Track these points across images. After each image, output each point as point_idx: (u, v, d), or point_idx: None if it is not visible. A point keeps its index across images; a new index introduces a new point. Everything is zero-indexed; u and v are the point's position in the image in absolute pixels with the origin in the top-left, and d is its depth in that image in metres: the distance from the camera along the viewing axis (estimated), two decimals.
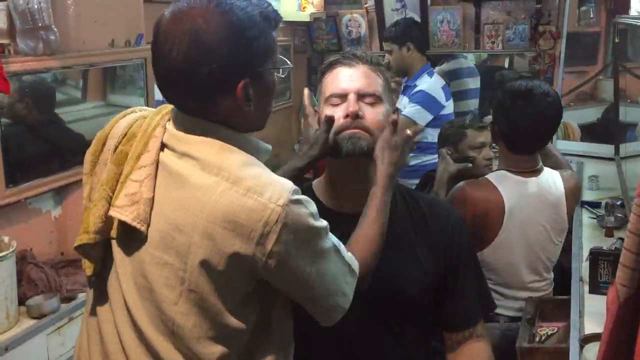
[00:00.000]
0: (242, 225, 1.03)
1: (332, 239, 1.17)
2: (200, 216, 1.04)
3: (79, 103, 2.48)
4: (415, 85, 3.34)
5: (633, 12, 3.36)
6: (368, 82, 1.41)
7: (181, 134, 1.12)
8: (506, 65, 5.11)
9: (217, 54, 1.06)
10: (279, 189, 1.06)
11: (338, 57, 1.47)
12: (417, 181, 2.88)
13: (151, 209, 1.09)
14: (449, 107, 3.33)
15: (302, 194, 1.52)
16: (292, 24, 3.99)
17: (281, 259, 1.07)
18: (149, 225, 1.09)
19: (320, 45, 4.24)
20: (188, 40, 1.05)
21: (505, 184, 2.08)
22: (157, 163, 1.11)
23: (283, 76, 1.22)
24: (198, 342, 1.10)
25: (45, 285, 1.95)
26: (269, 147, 1.20)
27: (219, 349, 1.11)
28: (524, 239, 2.10)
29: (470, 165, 2.44)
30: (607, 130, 3.75)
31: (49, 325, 1.87)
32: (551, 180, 2.15)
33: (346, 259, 1.20)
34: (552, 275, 2.24)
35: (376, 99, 1.42)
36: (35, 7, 1.97)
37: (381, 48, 4.10)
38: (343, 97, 1.41)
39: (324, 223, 1.14)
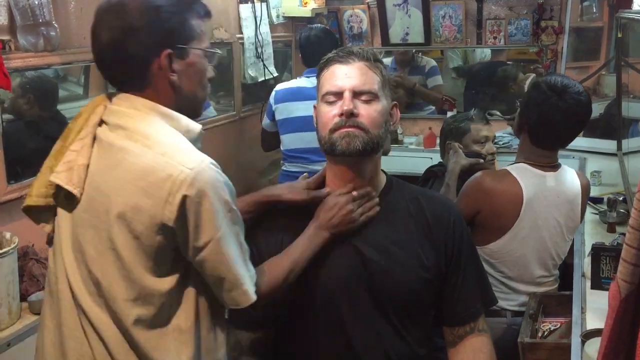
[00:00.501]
0: (153, 184, 1.14)
1: (242, 239, 1.26)
2: (119, 176, 1.16)
3: (80, 99, 2.48)
4: None
5: (636, 6, 3.34)
6: (364, 80, 1.40)
7: (117, 108, 1.24)
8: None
9: (139, 26, 1.20)
10: (193, 157, 1.17)
11: (334, 53, 1.46)
12: None
13: (85, 176, 1.21)
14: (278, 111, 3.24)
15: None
16: (293, 19, 3.99)
17: (186, 219, 1.16)
18: (82, 190, 1.21)
19: None
20: (114, 19, 1.21)
21: (525, 176, 2.09)
22: (93, 135, 1.24)
23: (212, 64, 1.33)
24: (118, 302, 1.19)
25: None
26: (199, 126, 1.28)
27: (136, 310, 1.18)
28: (537, 232, 2.10)
29: (482, 160, 2.44)
30: (609, 125, 3.73)
31: None
32: (569, 176, 2.15)
33: (249, 266, 1.26)
34: (557, 272, 2.24)
35: (372, 96, 1.41)
36: (36, 3, 1.96)
37: (383, 44, 4.10)
38: (338, 94, 1.40)
39: (236, 207, 1.22)
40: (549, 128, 2.06)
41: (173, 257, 1.20)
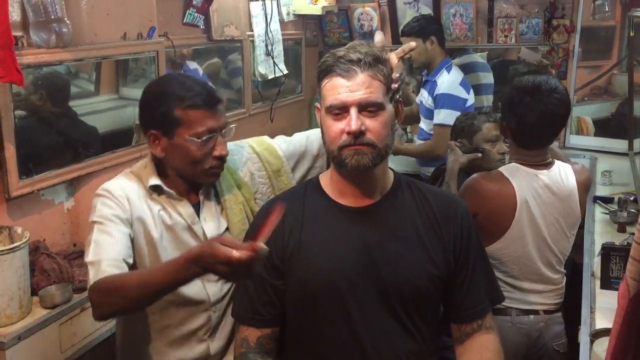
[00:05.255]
0: None
1: (98, 234, 1.50)
2: None
3: (91, 96, 2.49)
4: (434, 82, 3.34)
5: None
6: (368, 92, 1.37)
7: None
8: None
9: (140, 106, 1.61)
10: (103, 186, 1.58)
11: (335, 62, 1.40)
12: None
13: None
14: (471, 98, 3.36)
15: (310, 185, 1.55)
16: (303, 17, 3.99)
17: None
18: None
19: (332, 38, 4.23)
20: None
21: (517, 176, 2.07)
22: None
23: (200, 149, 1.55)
24: None
25: (58, 276, 1.97)
26: (154, 183, 1.60)
27: None
28: (536, 231, 2.09)
29: (479, 155, 2.43)
30: (621, 125, 3.71)
31: (61, 315, 1.89)
32: (563, 173, 2.13)
33: (89, 254, 1.48)
34: (563, 270, 2.23)
35: (377, 107, 1.38)
36: None
37: (393, 42, 4.09)
38: (343, 109, 1.38)
39: (97, 214, 1.53)
40: (529, 130, 2.04)
41: None
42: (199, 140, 1.54)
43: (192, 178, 1.62)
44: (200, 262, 1.24)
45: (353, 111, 1.36)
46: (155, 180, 1.60)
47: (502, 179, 2.08)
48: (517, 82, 2.09)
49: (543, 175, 2.09)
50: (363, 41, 1.49)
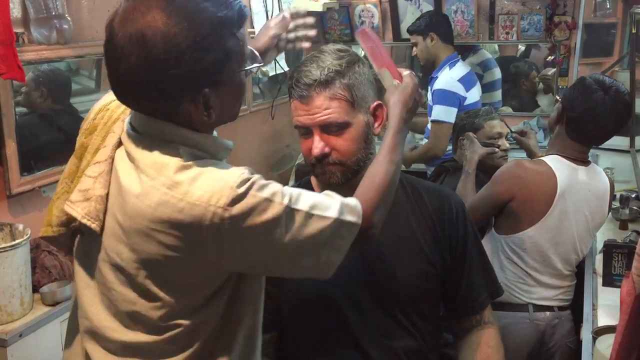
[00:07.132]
0: (187, 230, 1.01)
1: (303, 203, 1.08)
2: (141, 222, 1.02)
3: (92, 93, 2.49)
4: (436, 78, 3.31)
5: None
6: (327, 114, 1.33)
7: (134, 133, 1.09)
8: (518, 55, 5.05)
9: (167, 67, 0.99)
10: (218, 188, 1.01)
11: (293, 84, 1.36)
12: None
13: (105, 207, 1.08)
14: (472, 96, 3.27)
15: (302, 186, 1.50)
16: None
17: (236, 257, 1.05)
18: (102, 223, 1.08)
19: (333, 35, 4.22)
20: (137, 52, 0.98)
21: (560, 167, 2.10)
22: (112, 159, 1.10)
23: (255, 72, 1.16)
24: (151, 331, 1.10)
25: (59, 273, 1.97)
26: (231, 144, 1.17)
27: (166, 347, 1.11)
28: (566, 224, 2.10)
29: (496, 150, 2.45)
30: None
31: (62, 313, 1.88)
32: (599, 172, 2.18)
33: (330, 214, 1.09)
34: (576, 269, 2.23)
35: (340, 125, 1.34)
36: None
37: (394, 39, 4.09)
38: (307, 130, 1.37)
39: (283, 201, 1.05)
40: (592, 121, 2.06)
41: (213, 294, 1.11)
42: (258, 66, 1.18)
43: (224, 123, 1.22)
44: (412, 103, 1.33)
45: (316, 133, 1.35)
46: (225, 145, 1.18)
47: (546, 166, 2.10)
48: (591, 76, 2.13)
49: (582, 171, 2.11)
50: (336, 46, 1.40)
